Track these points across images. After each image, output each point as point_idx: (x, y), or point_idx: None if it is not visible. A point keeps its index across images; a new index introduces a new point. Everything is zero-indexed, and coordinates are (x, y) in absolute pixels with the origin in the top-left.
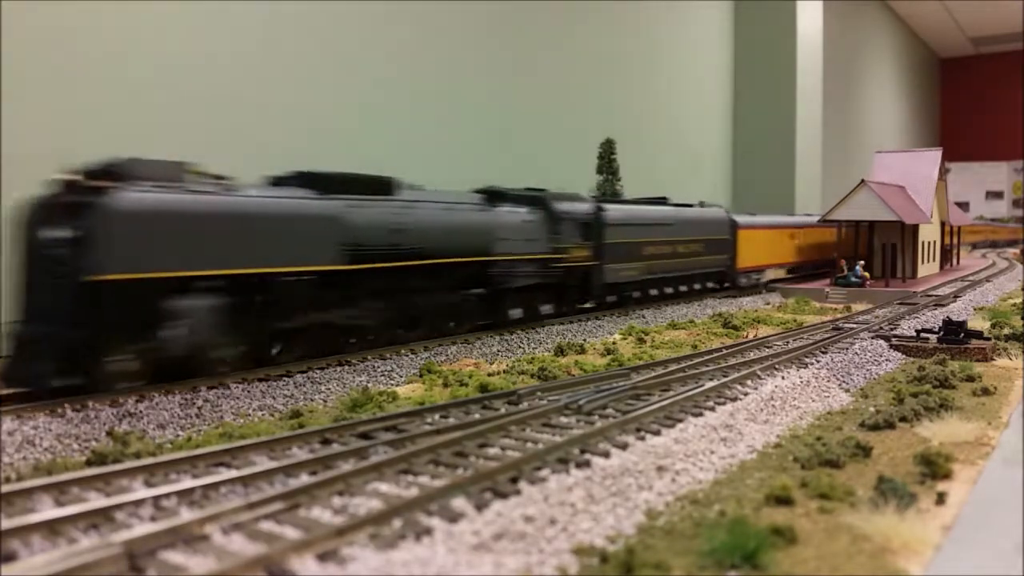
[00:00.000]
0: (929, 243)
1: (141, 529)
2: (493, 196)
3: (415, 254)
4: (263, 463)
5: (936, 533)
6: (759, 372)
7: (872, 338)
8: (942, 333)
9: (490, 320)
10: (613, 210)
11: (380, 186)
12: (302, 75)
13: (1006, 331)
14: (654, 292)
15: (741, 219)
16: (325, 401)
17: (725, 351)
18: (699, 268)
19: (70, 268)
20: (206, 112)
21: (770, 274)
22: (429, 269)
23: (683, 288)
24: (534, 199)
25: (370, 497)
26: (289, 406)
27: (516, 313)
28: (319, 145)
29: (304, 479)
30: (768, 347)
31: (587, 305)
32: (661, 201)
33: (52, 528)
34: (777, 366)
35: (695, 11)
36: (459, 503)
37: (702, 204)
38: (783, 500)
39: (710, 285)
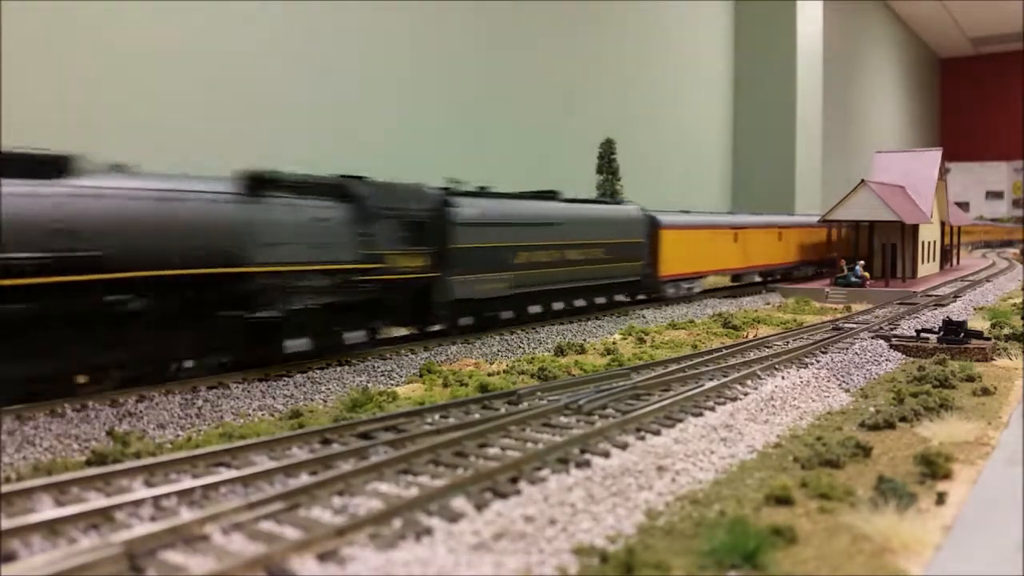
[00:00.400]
0: (929, 243)
1: (141, 529)
2: (262, 183)
3: (92, 265)
4: (263, 463)
5: (936, 533)
6: (759, 372)
7: (872, 338)
8: (942, 333)
9: (254, 356)
10: (467, 206)
11: (35, 167)
12: (308, 74)
13: (1006, 331)
14: (536, 310)
15: (665, 218)
16: (325, 401)
17: (725, 351)
18: (601, 277)
19: None
20: (206, 108)
21: (715, 282)
22: (123, 286)
23: (579, 303)
24: (336, 188)
25: (370, 497)
26: (289, 406)
27: (299, 345)
28: (319, 144)
29: (304, 479)
30: (768, 347)
31: (436, 328)
32: (548, 196)
33: (52, 528)
34: (777, 366)
35: (695, 11)
36: (459, 503)
37: (615, 200)
38: (783, 500)
39: (620, 298)
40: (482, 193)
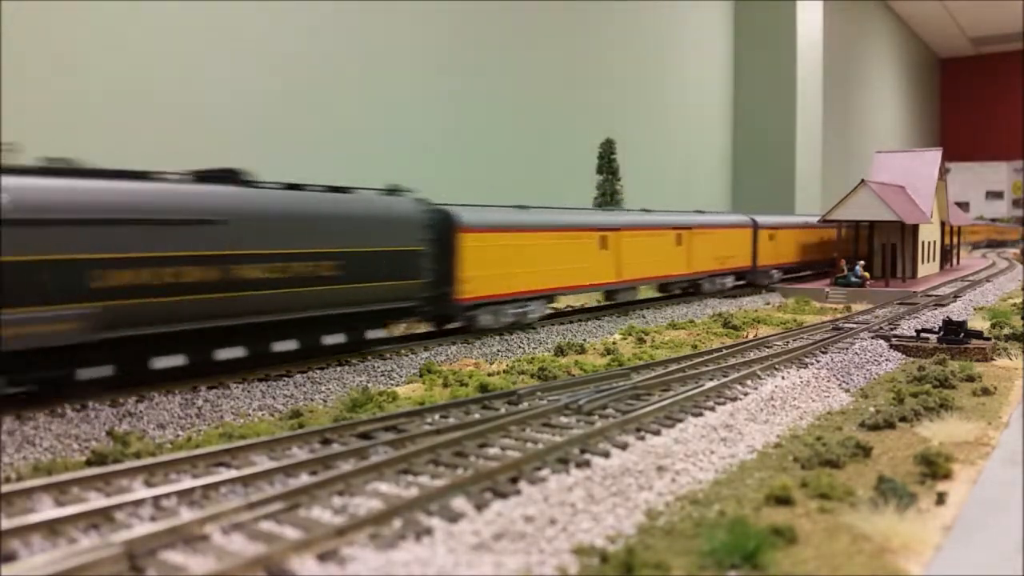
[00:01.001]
0: (929, 243)
1: (141, 529)
2: None
3: None
4: (263, 463)
5: (936, 533)
6: (759, 372)
7: (872, 338)
8: (942, 333)
9: None
10: None
11: None
12: (307, 74)
13: (1006, 331)
14: (172, 363)
15: (469, 215)
16: (325, 401)
17: (725, 351)
18: (329, 305)
19: None
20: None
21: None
22: None
23: (284, 346)
24: None
25: (370, 497)
26: (289, 406)
27: None
28: (318, 144)
29: (304, 479)
30: (768, 347)
31: None
32: (220, 177)
33: (52, 528)
34: (777, 366)
35: (695, 11)
36: (459, 503)
37: (396, 191)
38: (783, 500)
39: (376, 335)
40: (44, 169)
